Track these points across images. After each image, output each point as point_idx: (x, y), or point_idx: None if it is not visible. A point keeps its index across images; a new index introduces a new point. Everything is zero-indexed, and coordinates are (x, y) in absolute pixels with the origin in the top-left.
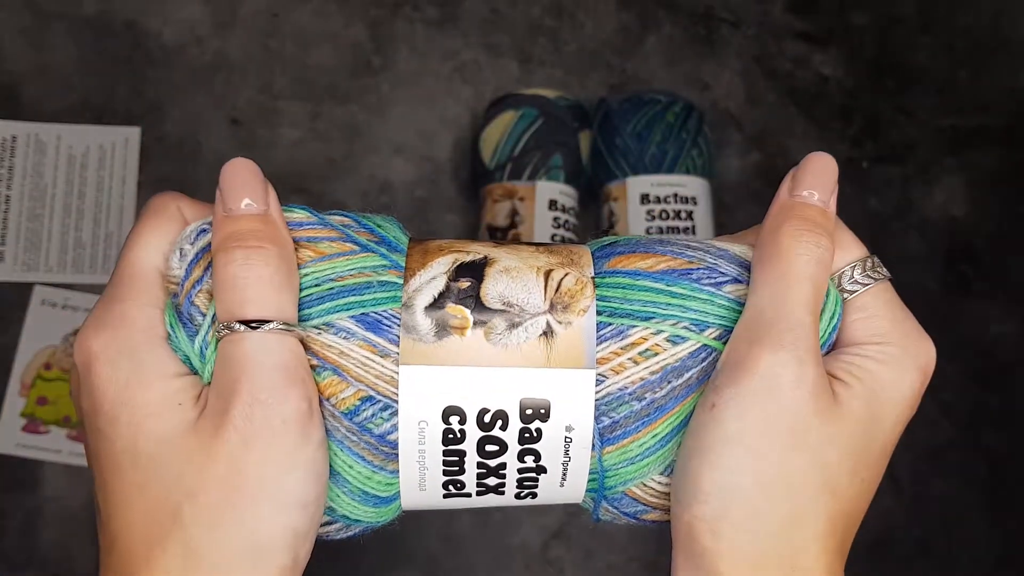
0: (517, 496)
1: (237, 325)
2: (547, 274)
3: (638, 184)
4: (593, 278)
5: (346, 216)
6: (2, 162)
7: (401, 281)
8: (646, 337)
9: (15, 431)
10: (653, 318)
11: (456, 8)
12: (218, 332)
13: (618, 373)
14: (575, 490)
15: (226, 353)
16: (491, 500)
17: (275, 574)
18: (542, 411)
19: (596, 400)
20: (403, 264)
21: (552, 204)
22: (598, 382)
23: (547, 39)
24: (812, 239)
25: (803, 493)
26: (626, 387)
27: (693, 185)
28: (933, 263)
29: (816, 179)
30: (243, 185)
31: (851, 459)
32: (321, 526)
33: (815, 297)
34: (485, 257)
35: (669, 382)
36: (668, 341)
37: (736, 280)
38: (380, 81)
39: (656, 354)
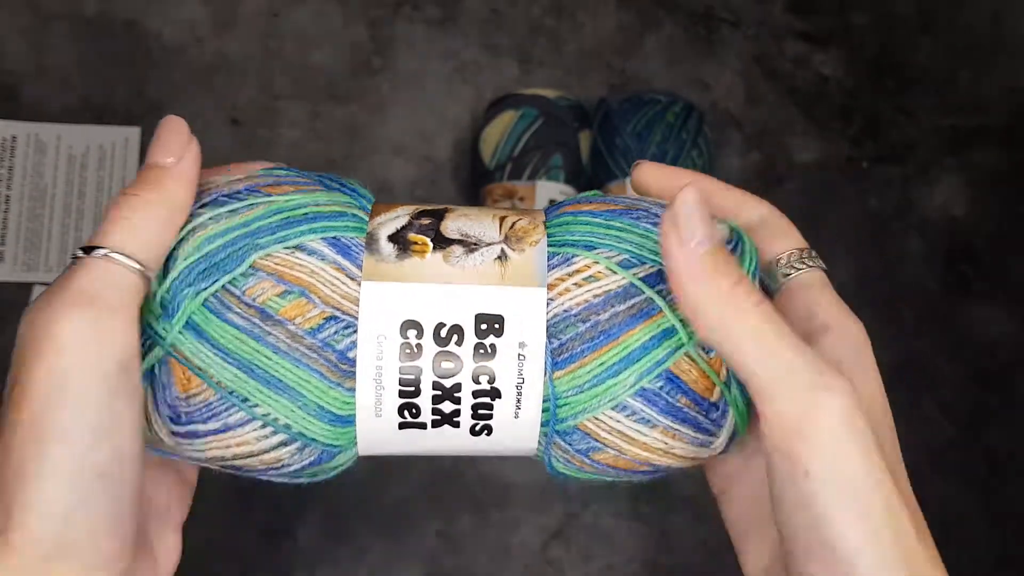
0: (473, 431)
1: (79, 252)
2: (502, 218)
3: None
4: (544, 221)
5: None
6: (2, 162)
7: (367, 217)
8: (588, 265)
9: None
10: (595, 248)
11: (456, 8)
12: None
13: (565, 294)
14: (529, 425)
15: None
16: (448, 436)
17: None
18: (496, 325)
19: (546, 321)
20: (369, 208)
21: (552, 204)
22: (548, 303)
23: (547, 39)
24: (725, 291)
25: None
26: (571, 308)
27: None
28: (933, 263)
29: (692, 218)
30: (160, 141)
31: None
32: (277, 448)
33: (763, 317)
34: (445, 208)
35: (612, 306)
36: (608, 270)
37: None
38: (380, 81)
39: (598, 280)
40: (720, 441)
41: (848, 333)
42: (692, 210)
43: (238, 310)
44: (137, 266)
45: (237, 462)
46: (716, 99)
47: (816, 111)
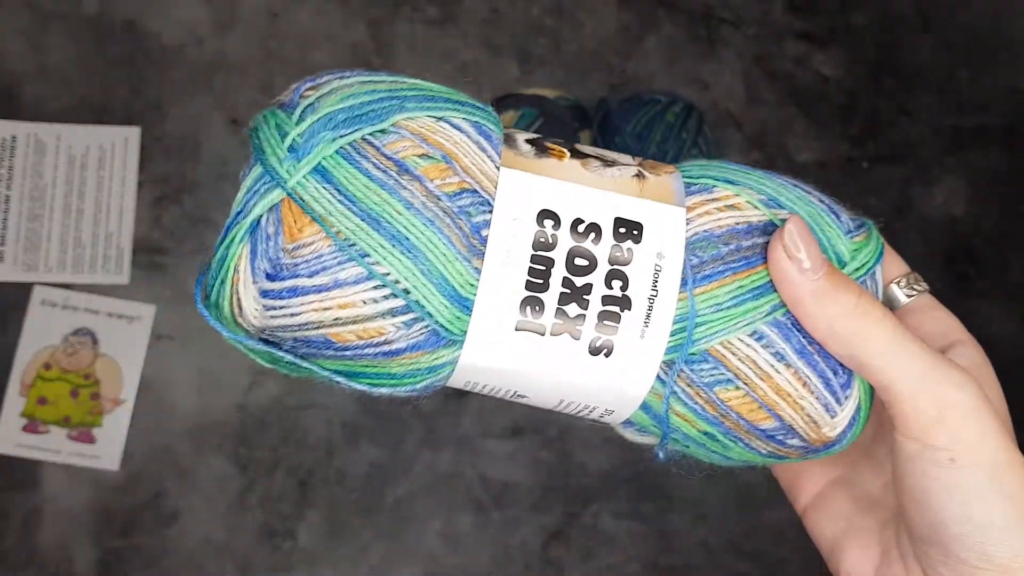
0: (592, 348)
1: None
2: (633, 155)
3: None
4: (675, 165)
5: None
6: (2, 162)
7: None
8: (730, 195)
9: (15, 431)
10: (736, 184)
11: (456, 8)
12: None
13: (706, 216)
14: (654, 348)
15: None
16: (563, 354)
17: None
18: (635, 232)
19: (686, 237)
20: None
21: None
22: (688, 222)
23: (547, 39)
24: (852, 306)
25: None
26: (713, 230)
27: None
28: (933, 263)
29: (806, 245)
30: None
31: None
32: (384, 317)
33: (893, 326)
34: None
35: (754, 237)
36: (750, 204)
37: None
38: None
39: (740, 210)
40: (843, 416)
41: (975, 348)
42: (804, 238)
43: (375, 160)
44: None
45: (331, 330)
46: (716, 99)
47: (816, 111)
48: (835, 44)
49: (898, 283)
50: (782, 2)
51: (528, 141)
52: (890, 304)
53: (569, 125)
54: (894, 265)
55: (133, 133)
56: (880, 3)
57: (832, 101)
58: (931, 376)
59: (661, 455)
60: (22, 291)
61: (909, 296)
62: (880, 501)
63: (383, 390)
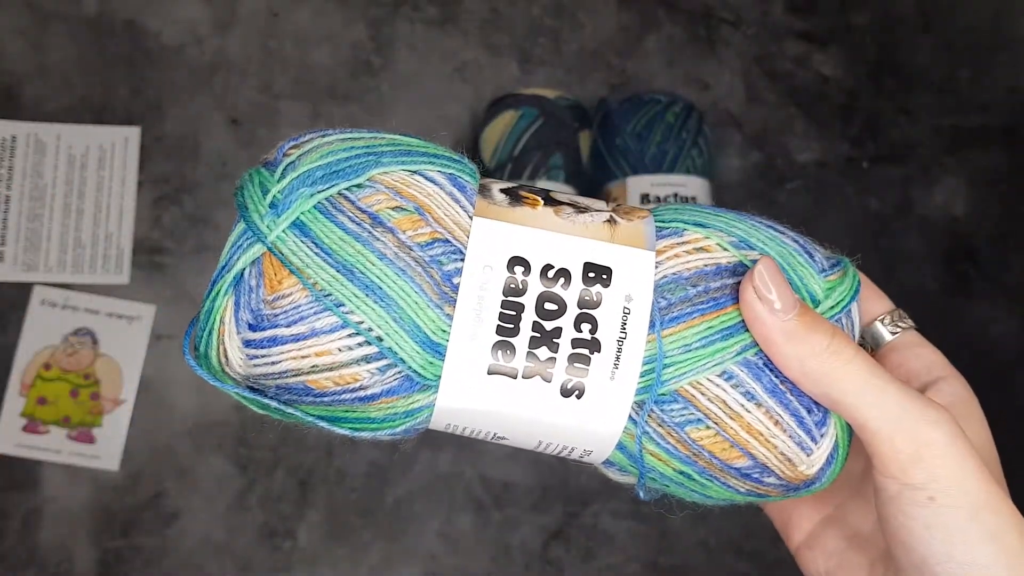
0: (564, 390)
1: None
2: (607, 200)
3: (638, 184)
4: (649, 209)
5: None
6: (2, 162)
7: (478, 175)
8: (700, 239)
9: (15, 431)
10: (707, 227)
11: (456, 8)
12: None
13: (675, 259)
14: (624, 389)
15: None
16: (535, 396)
17: None
18: (604, 276)
19: (655, 280)
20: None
21: None
22: (656, 265)
23: (547, 39)
24: (825, 346)
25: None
26: (681, 272)
27: (693, 185)
28: (933, 263)
29: (776, 285)
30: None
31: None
32: (359, 364)
33: (866, 365)
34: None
35: (723, 279)
36: (719, 247)
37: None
38: (380, 81)
39: (709, 252)
40: (819, 454)
41: (959, 383)
42: (775, 279)
43: (350, 214)
44: None
45: (309, 377)
46: (716, 99)
47: (816, 111)
48: (835, 44)
49: (882, 320)
50: (782, 2)
51: (503, 191)
52: (875, 342)
53: (569, 125)
54: (878, 302)
55: (133, 133)
56: (880, 3)
57: (832, 101)
58: (907, 414)
59: (642, 494)
60: (22, 291)
61: (894, 333)
62: (870, 539)
63: (364, 434)
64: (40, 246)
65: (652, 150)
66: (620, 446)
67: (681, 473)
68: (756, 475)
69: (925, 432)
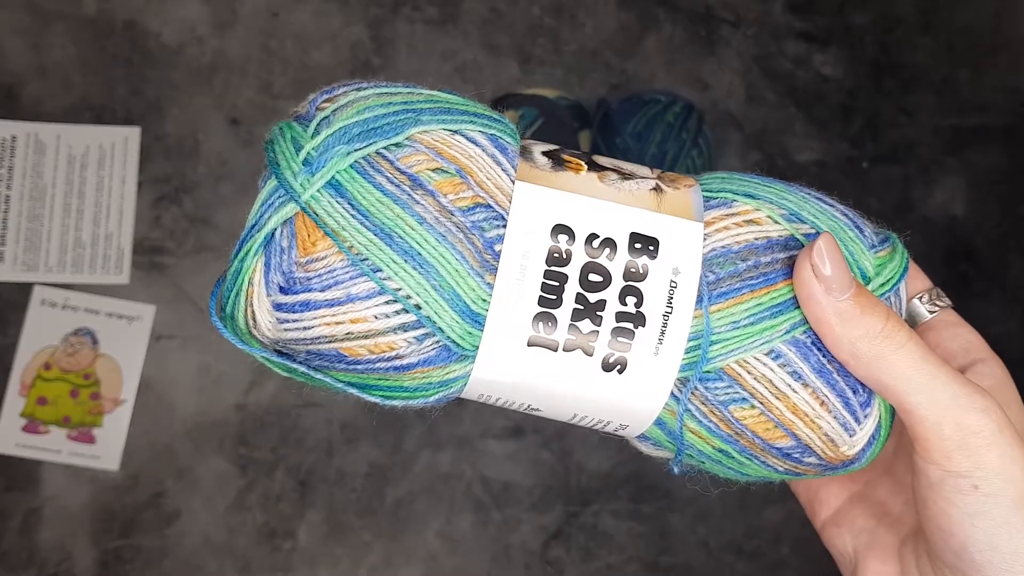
0: (605, 364)
1: None
2: (651, 167)
3: None
4: (695, 177)
5: None
6: (2, 162)
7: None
8: (750, 210)
9: (15, 431)
10: (757, 199)
11: (456, 8)
12: None
13: (724, 232)
14: (667, 365)
15: None
16: (576, 370)
17: None
18: (651, 247)
19: (703, 253)
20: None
21: None
22: (705, 238)
23: (547, 39)
24: (879, 330)
25: None
26: (731, 246)
27: None
28: (933, 263)
29: (835, 263)
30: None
31: None
32: (395, 332)
33: (918, 350)
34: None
35: (773, 253)
36: (770, 219)
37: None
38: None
39: (759, 225)
40: (861, 435)
41: (998, 366)
42: (833, 257)
43: (388, 174)
44: None
45: (343, 344)
46: (716, 99)
47: (816, 111)
48: (835, 44)
49: (920, 298)
50: (782, 2)
51: (545, 153)
52: (912, 320)
53: (569, 125)
54: (916, 279)
55: (133, 133)
56: (880, 3)
57: (832, 101)
58: (955, 402)
59: (676, 470)
60: (22, 291)
61: (932, 312)
62: (900, 518)
63: (396, 402)
64: (40, 246)
65: (652, 150)
66: (659, 422)
67: (720, 451)
68: (797, 455)
69: (973, 420)
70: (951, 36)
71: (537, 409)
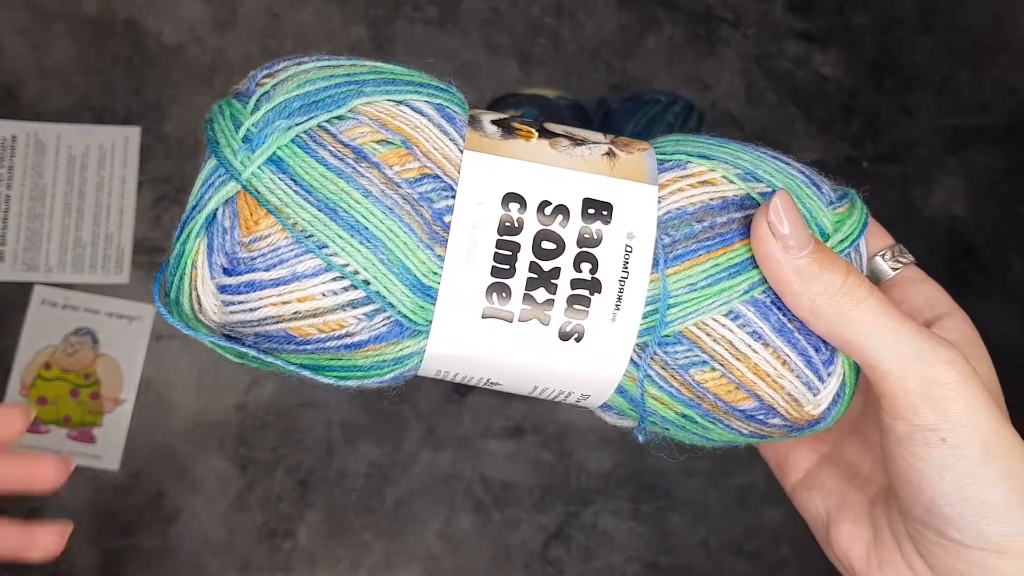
0: (562, 334)
1: None
2: (604, 133)
3: None
4: (649, 141)
5: None
6: (2, 162)
7: (467, 106)
8: (704, 171)
9: None
10: (710, 158)
11: (456, 8)
12: None
13: (679, 193)
14: (625, 332)
15: None
16: (532, 340)
17: None
18: (604, 212)
19: (658, 216)
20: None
21: None
22: (659, 201)
23: (547, 39)
24: (839, 286)
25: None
26: (686, 207)
27: None
28: (933, 263)
29: (792, 221)
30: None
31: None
32: (344, 309)
33: (880, 304)
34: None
35: (729, 213)
36: (725, 179)
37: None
38: None
39: (714, 185)
40: (825, 393)
41: (964, 320)
42: (790, 214)
43: (331, 148)
44: None
45: (291, 324)
46: (716, 99)
47: (816, 111)
48: (835, 44)
49: (883, 256)
50: (782, 2)
51: (494, 122)
52: (875, 277)
53: (569, 125)
54: (878, 237)
55: (133, 133)
56: (880, 3)
57: (832, 101)
58: (919, 355)
59: (640, 438)
60: (22, 291)
61: (895, 269)
62: (870, 478)
63: (351, 382)
64: (40, 246)
65: None
66: (620, 390)
67: (684, 416)
68: (761, 416)
69: (937, 372)
70: (951, 36)
71: (497, 383)
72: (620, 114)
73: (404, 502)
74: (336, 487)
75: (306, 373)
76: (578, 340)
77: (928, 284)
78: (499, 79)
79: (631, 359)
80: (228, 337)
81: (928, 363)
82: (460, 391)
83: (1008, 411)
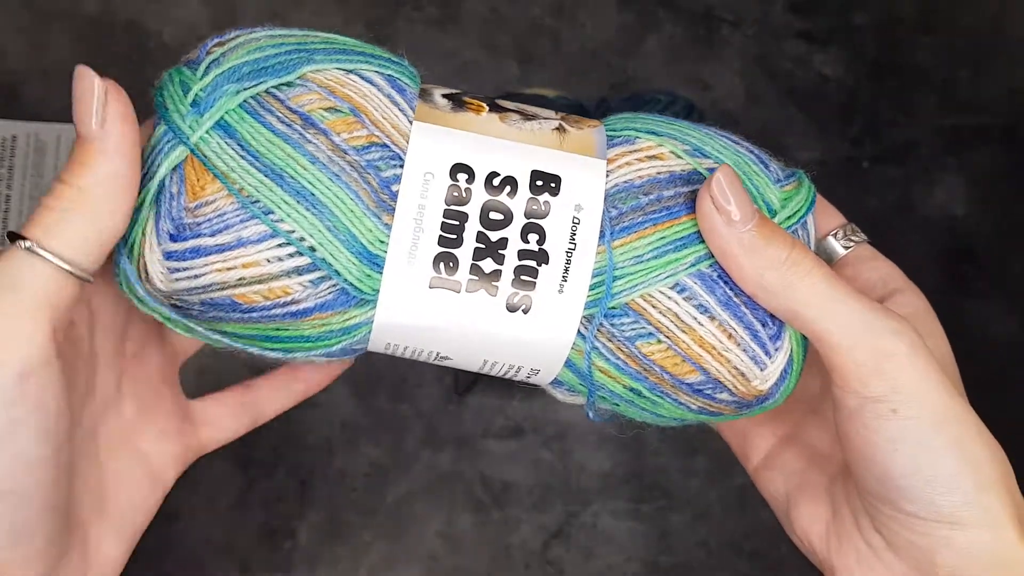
0: (509, 305)
1: (25, 243)
2: (556, 111)
3: None
4: (600, 120)
5: None
6: (2, 162)
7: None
8: (653, 146)
9: None
10: (659, 134)
11: (456, 8)
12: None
13: (626, 167)
14: (572, 303)
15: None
16: (480, 311)
17: None
18: (552, 184)
19: (605, 189)
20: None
21: None
22: (608, 174)
23: (547, 39)
24: (784, 258)
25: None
26: (633, 180)
27: None
28: (933, 263)
29: (736, 195)
30: (78, 105)
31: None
32: (290, 276)
33: (825, 276)
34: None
35: (676, 187)
36: (673, 154)
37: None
38: None
39: (662, 160)
40: (773, 368)
41: (916, 295)
42: (733, 188)
43: (279, 114)
44: (64, 266)
45: (236, 291)
46: (716, 99)
47: (816, 111)
48: (835, 44)
49: (835, 235)
50: (782, 2)
51: (445, 96)
52: (828, 256)
53: None
54: (831, 217)
55: None
56: (880, 3)
57: (832, 101)
58: (867, 326)
59: (591, 415)
60: None
61: (847, 247)
62: (829, 457)
63: (298, 355)
64: None
65: None
66: (568, 363)
67: (631, 390)
68: (708, 391)
69: (886, 343)
70: (951, 36)
71: (447, 357)
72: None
73: (404, 502)
74: (336, 487)
75: (253, 349)
76: (525, 312)
77: (881, 261)
78: (499, 79)
79: (579, 331)
80: (175, 307)
81: (876, 334)
82: (460, 391)
83: (1008, 411)
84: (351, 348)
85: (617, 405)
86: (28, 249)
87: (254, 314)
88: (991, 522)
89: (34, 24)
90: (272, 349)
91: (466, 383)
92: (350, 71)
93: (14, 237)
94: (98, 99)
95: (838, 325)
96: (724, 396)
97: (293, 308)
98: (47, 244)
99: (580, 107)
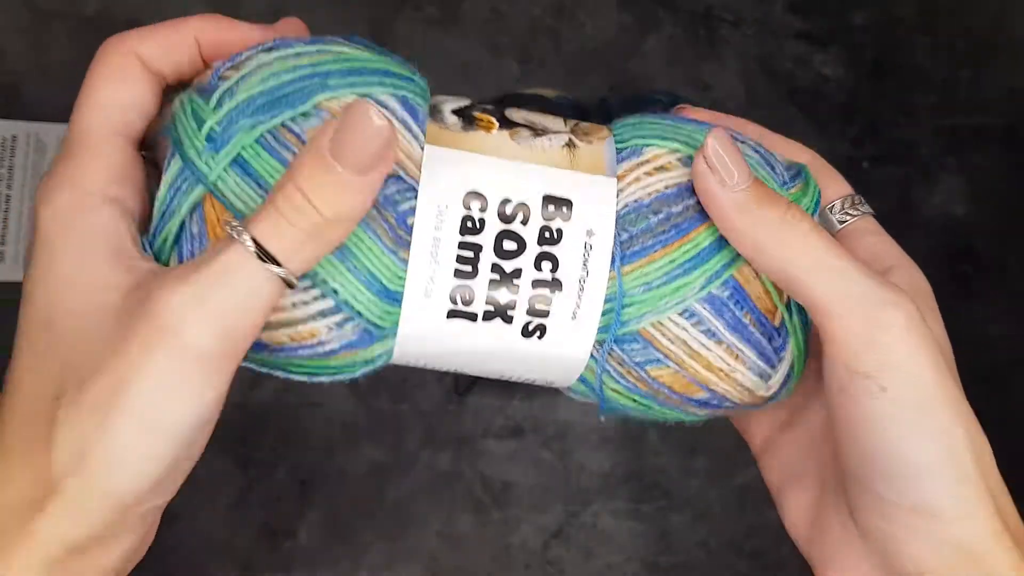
0: (525, 330)
1: (249, 241)
2: (565, 118)
3: None
4: (608, 127)
5: None
6: (2, 162)
7: (428, 92)
8: (659, 155)
9: None
10: (665, 139)
11: (457, 8)
12: (231, 227)
13: (635, 184)
14: (586, 328)
15: (219, 257)
16: (497, 336)
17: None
18: (564, 209)
19: (616, 211)
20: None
21: None
22: (618, 194)
23: (547, 39)
24: (778, 218)
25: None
26: (642, 199)
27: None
28: (933, 263)
29: (729, 155)
30: (360, 142)
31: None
32: (315, 319)
33: (823, 240)
34: (504, 104)
35: (684, 200)
36: (680, 162)
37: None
38: None
39: (669, 171)
40: (777, 377)
41: (915, 273)
42: (727, 149)
43: (296, 149)
44: (285, 277)
45: (263, 334)
46: (716, 99)
47: (816, 111)
48: (835, 44)
49: (830, 208)
50: (782, 2)
51: (455, 112)
52: (828, 227)
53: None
54: (835, 186)
55: None
56: (880, 3)
57: (832, 101)
58: (864, 294)
59: (603, 419)
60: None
61: (842, 222)
62: (823, 442)
63: (322, 378)
64: None
65: None
66: (582, 378)
67: (641, 404)
68: (715, 403)
69: (882, 314)
70: (951, 36)
71: (463, 370)
72: (620, 114)
73: (404, 502)
74: (336, 487)
75: (278, 373)
76: (540, 337)
77: (880, 236)
78: (499, 79)
79: (591, 353)
80: None
81: (873, 304)
82: (460, 391)
83: (1008, 411)
84: (372, 371)
85: (628, 413)
86: (272, 273)
87: (281, 353)
88: (967, 515)
89: (34, 24)
90: (297, 374)
91: (466, 383)
92: (364, 95)
93: (266, 255)
94: (384, 145)
95: (833, 291)
96: (729, 404)
97: (320, 349)
98: (288, 267)
99: (580, 107)
